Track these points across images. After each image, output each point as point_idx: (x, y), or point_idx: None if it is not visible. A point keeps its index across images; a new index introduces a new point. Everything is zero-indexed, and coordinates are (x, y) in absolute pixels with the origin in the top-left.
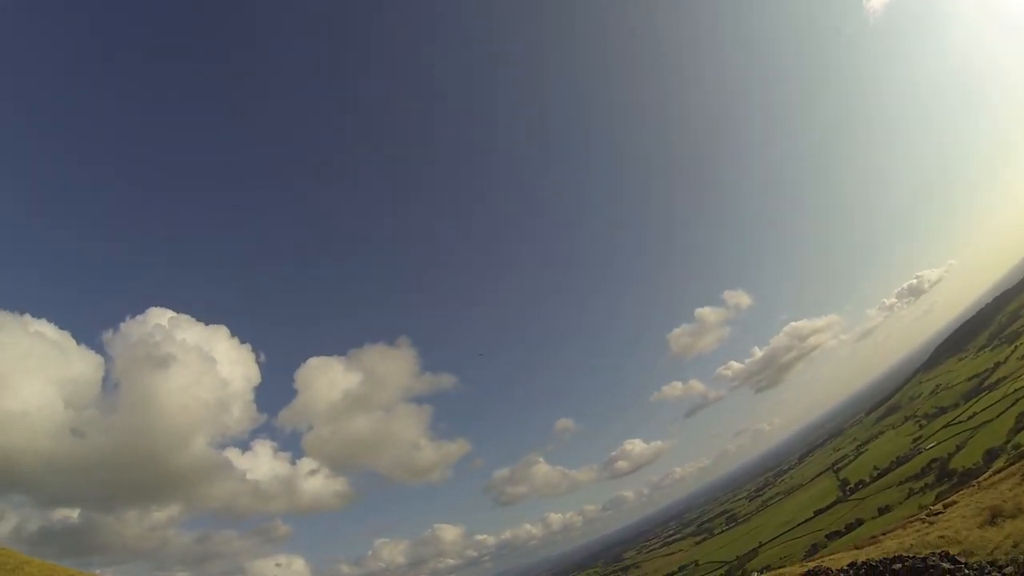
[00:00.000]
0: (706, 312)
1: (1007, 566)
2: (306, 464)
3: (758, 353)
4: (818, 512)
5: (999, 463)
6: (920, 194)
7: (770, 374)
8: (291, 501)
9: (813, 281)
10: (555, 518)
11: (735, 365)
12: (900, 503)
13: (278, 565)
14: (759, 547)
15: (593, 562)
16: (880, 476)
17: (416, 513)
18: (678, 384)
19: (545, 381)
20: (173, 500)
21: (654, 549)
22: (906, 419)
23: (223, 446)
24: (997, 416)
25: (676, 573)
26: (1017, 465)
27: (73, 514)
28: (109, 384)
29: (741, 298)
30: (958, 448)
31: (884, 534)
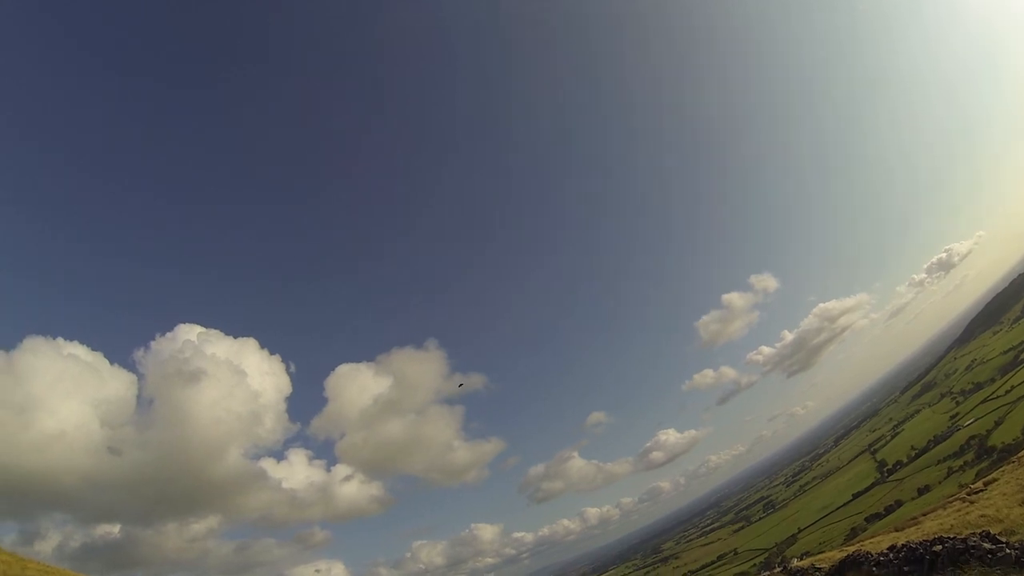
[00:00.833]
0: (733, 297)
1: None
2: (341, 471)
3: (788, 336)
4: (856, 495)
5: None
6: (944, 166)
7: (801, 357)
8: (328, 507)
9: (840, 260)
10: (592, 512)
11: (766, 350)
12: (940, 482)
13: (318, 571)
14: (798, 533)
15: (632, 555)
16: (918, 456)
17: (453, 514)
18: (709, 372)
19: (575, 376)
20: (211, 511)
21: (692, 539)
22: (942, 396)
23: (258, 456)
24: None
25: (715, 563)
26: None
27: (114, 530)
28: (143, 401)
29: (768, 282)
30: (996, 424)
31: (924, 515)
